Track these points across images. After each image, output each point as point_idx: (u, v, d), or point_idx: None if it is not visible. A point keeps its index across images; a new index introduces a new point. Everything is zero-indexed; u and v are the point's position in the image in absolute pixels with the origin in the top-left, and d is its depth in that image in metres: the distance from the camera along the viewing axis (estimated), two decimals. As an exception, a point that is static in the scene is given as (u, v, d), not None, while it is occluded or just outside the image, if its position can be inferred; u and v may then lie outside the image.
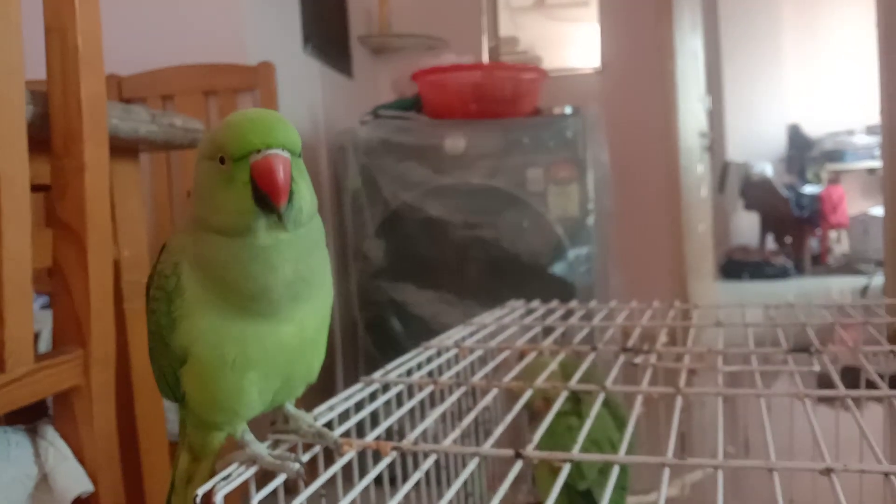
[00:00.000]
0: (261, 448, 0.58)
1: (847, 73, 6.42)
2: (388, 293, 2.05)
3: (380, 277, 2.06)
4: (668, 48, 3.30)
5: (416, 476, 0.54)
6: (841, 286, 5.18)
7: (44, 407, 0.91)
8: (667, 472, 0.51)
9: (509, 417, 0.60)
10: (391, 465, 0.58)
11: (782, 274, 5.64)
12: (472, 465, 0.52)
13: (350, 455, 0.57)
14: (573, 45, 3.44)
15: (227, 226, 0.52)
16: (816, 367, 0.69)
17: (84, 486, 0.79)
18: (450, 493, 0.49)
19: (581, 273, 1.95)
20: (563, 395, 0.66)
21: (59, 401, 0.82)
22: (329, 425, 0.65)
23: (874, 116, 5.48)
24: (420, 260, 2.04)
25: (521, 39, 3.43)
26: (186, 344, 0.56)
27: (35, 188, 0.78)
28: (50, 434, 0.80)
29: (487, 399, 0.63)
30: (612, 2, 3.30)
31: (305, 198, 0.53)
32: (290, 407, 0.64)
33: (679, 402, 0.57)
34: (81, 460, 0.81)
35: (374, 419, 0.67)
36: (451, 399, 0.64)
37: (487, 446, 0.52)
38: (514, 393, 0.69)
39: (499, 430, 0.55)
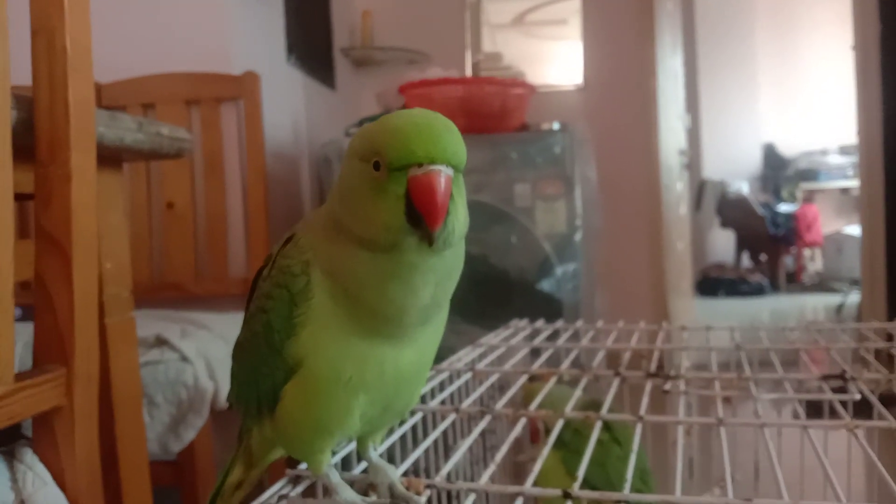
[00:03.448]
0: (353, 496, 0.52)
1: (821, 95, 6.54)
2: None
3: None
4: (650, 67, 3.34)
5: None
6: (815, 304, 5.25)
7: (18, 428, 0.86)
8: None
9: (545, 451, 0.56)
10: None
11: (758, 291, 5.69)
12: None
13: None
14: (555, 62, 3.45)
15: (371, 239, 0.46)
16: (857, 396, 0.67)
17: (64, 513, 0.75)
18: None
19: (568, 290, 1.93)
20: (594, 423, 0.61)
21: (38, 422, 0.78)
22: (346, 460, 0.61)
23: (848, 137, 5.59)
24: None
25: (504, 55, 3.43)
26: (302, 355, 0.50)
27: (17, 197, 0.74)
28: (28, 458, 0.76)
29: (517, 430, 0.59)
30: (595, 21, 3.32)
31: (459, 219, 0.47)
32: (375, 455, 0.58)
33: (723, 434, 0.54)
34: (62, 486, 0.76)
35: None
36: (478, 430, 0.61)
37: (529, 485, 0.48)
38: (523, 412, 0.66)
39: (536, 467, 0.52)
